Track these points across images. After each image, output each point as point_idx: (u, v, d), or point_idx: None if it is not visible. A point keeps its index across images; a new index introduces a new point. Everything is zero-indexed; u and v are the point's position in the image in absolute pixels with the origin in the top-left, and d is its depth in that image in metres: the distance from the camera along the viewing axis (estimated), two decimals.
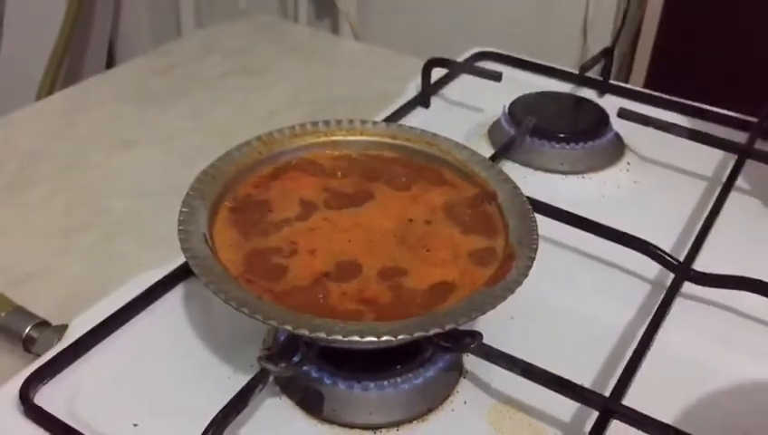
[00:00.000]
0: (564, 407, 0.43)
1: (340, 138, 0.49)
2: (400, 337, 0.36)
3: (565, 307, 0.51)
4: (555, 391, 0.42)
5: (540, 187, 0.59)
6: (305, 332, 0.36)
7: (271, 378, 0.41)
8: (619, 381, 0.43)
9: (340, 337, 0.36)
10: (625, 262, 0.54)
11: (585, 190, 0.63)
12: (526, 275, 0.40)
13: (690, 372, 0.47)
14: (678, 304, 0.51)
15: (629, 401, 0.42)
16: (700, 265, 0.53)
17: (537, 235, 0.43)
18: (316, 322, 0.36)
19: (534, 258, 0.42)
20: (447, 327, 0.37)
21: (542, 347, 0.47)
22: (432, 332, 0.37)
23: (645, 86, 0.90)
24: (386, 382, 0.43)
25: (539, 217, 0.54)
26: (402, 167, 0.48)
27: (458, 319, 0.37)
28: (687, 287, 0.51)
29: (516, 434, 0.43)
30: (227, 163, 0.45)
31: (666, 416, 0.40)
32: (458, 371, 0.46)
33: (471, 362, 0.46)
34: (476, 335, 0.43)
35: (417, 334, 0.36)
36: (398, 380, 0.43)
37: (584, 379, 0.44)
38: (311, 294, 0.39)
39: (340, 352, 0.43)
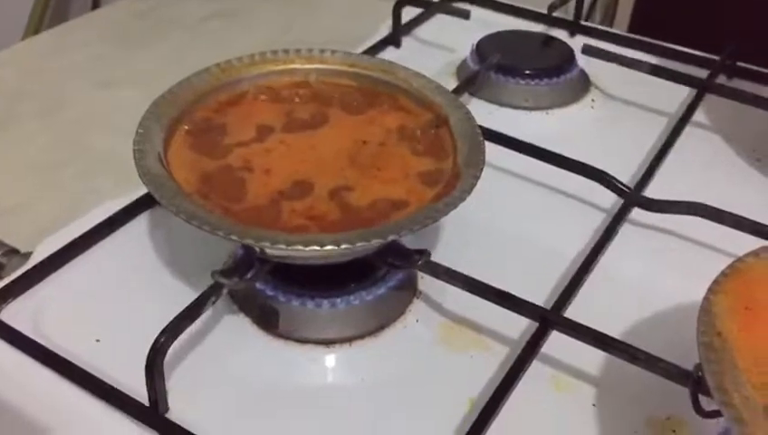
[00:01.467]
0: (513, 324, 0.45)
1: (299, 66, 0.50)
2: (343, 247, 0.38)
3: (518, 233, 0.52)
4: (496, 303, 0.43)
5: (504, 122, 0.60)
6: (250, 241, 0.37)
7: (225, 292, 0.42)
8: (561, 295, 0.44)
9: (283, 246, 0.37)
10: (580, 191, 0.55)
11: (548, 126, 0.64)
12: (469, 193, 0.42)
13: (635, 294, 0.48)
14: (628, 230, 0.52)
15: (579, 318, 0.43)
16: (652, 192, 0.54)
17: (484, 157, 0.44)
18: (261, 232, 0.38)
19: (479, 177, 0.43)
20: (389, 238, 0.38)
21: (493, 269, 0.48)
22: (373, 242, 0.38)
23: (629, 31, 0.90)
24: (338, 300, 0.44)
25: (495, 147, 0.56)
26: (359, 93, 0.49)
27: (400, 231, 0.39)
28: (638, 214, 0.53)
29: (465, 349, 0.45)
30: (185, 89, 0.47)
31: (608, 333, 0.42)
32: (412, 290, 0.48)
33: (425, 283, 0.48)
34: (424, 252, 0.44)
35: (359, 244, 0.38)
36: (351, 297, 0.45)
37: (529, 295, 0.45)
38: (263, 212, 0.40)
39: (295, 271, 0.45)
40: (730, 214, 0.49)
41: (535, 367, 0.43)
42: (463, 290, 0.45)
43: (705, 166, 0.60)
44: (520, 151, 0.54)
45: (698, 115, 0.64)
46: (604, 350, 0.41)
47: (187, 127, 0.45)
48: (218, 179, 0.42)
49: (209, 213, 0.39)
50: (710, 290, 0.36)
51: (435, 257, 0.45)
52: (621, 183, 0.52)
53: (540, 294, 0.47)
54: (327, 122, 0.47)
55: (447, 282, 0.45)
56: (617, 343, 0.41)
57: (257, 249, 0.41)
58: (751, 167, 0.60)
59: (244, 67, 0.49)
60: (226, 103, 0.48)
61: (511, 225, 0.53)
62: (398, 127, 0.47)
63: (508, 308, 0.43)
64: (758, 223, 0.48)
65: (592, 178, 0.53)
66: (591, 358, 0.43)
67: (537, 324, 0.43)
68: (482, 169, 0.43)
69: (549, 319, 0.43)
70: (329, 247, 0.38)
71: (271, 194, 0.41)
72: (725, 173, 0.59)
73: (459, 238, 0.52)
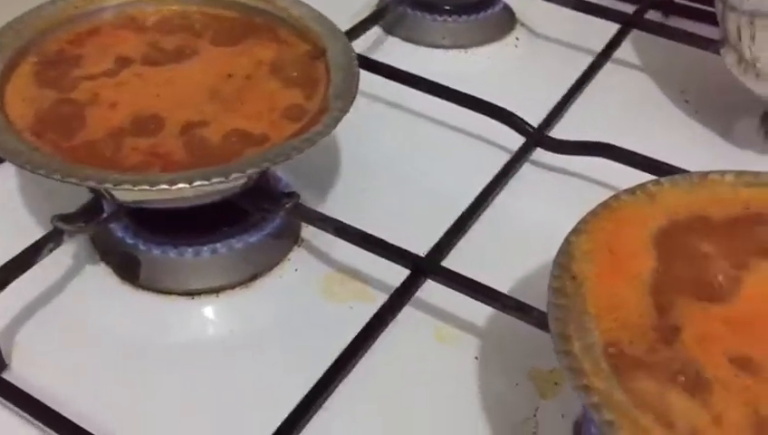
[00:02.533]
0: (401, 274, 0.41)
1: None
2: (179, 186, 0.34)
3: (412, 175, 0.49)
4: (369, 250, 0.40)
5: (420, 62, 0.57)
6: (74, 180, 0.34)
7: (68, 238, 0.39)
8: (440, 241, 0.41)
9: (109, 185, 0.34)
10: (486, 132, 0.51)
11: (467, 65, 0.60)
12: (333, 127, 0.38)
13: (530, 241, 0.45)
14: (532, 173, 0.49)
15: (462, 266, 0.40)
16: (565, 134, 0.51)
17: (356, 90, 0.40)
18: (88, 171, 0.34)
19: (346, 111, 0.39)
20: (232, 176, 0.35)
21: (379, 213, 0.45)
22: (214, 180, 0.35)
23: None
24: (204, 248, 0.41)
25: (397, 86, 0.52)
26: (234, 25, 0.45)
27: (246, 169, 0.35)
28: (546, 157, 0.50)
29: (346, 300, 0.42)
30: (35, 17, 0.43)
31: (501, 283, 0.39)
32: (292, 239, 0.44)
33: (309, 230, 0.44)
34: (293, 195, 0.41)
35: (196, 183, 0.34)
36: (218, 245, 0.41)
37: (414, 241, 0.42)
38: (98, 149, 0.36)
39: (156, 217, 0.42)
40: (636, 155, 0.45)
41: (416, 317, 0.41)
42: (335, 236, 0.41)
43: (629, 106, 0.56)
44: (415, 88, 0.50)
45: (626, 54, 0.60)
46: (479, 300, 0.38)
47: (34, 59, 0.41)
48: (55, 114, 0.38)
49: (34, 151, 0.35)
50: (573, 230, 0.32)
51: (317, 202, 0.42)
52: (525, 122, 0.48)
53: (427, 239, 0.44)
54: (194, 55, 0.43)
55: (319, 228, 0.42)
56: (491, 293, 0.37)
57: (103, 192, 0.37)
58: (678, 108, 0.57)
59: None
60: (85, 33, 0.44)
61: (404, 166, 0.49)
62: (271, 59, 0.43)
63: (381, 256, 0.40)
64: (666, 164, 0.44)
65: (495, 117, 0.49)
66: (476, 309, 0.39)
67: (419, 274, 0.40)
68: (351, 103, 0.40)
69: (422, 267, 0.39)
70: (163, 186, 0.34)
71: (111, 130, 0.38)
72: (651, 114, 0.56)
73: (346, 181, 0.48)
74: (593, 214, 0.33)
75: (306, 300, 0.42)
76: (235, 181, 0.36)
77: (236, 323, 0.41)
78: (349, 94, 0.40)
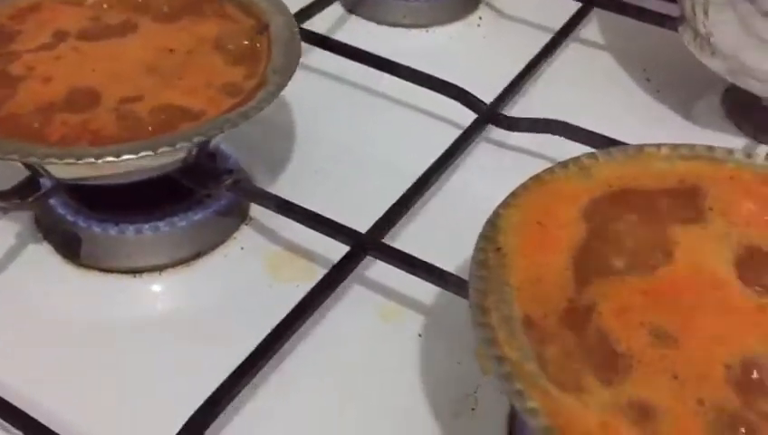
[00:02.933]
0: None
1: None
2: (106, 159, 0.34)
3: (360, 151, 0.48)
4: (311, 227, 0.40)
5: (381, 41, 0.56)
6: None
7: (2, 214, 0.38)
8: (381, 219, 0.41)
9: (35, 159, 0.34)
10: (441, 110, 0.51)
11: (427, 45, 0.59)
12: (269, 103, 0.38)
13: (481, 217, 0.44)
14: (484, 150, 0.49)
15: (407, 243, 0.40)
16: (521, 112, 0.50)
17: (296, 65, 0.40)
18: (14, 145, 0.34)
19: (284, 86, 0.39)
20: (161, 150, 0.34)
21: (333, 193, 0.45)
22: (142, 154, 0.34)
23: None
24: (146, 225, 0.41)
25: (353, 64, 0.51)
26: (178, 0, 0.44)
27: (176, 142, 0.35)
28: (499, 135, 0.49)
29: (292, 279, 0.41)
30: None
31: (447, 261, 0.38)
32: (239, 217, 0.44)
33: (258, 210, 0.44)
34: (233, 172, 0.40)
35: (124, 157, 0.34)
36: (161, 223, 0.41)
37: (359, 217, 0.41)
38: (25, 122, 0.36)
39: (99, 194, 0.41)
40: (588, 132, 0.45)
41: (362, 295, 0.40)
42: (277, 213, 0.41)
43: (590, 85, 0.55)
44: (369, 65, 0.50)
45: (590, 33, 0.60)
46: (419, 276, 0.38)
47: None
48: None
49: None
50: (502, 203, 0.32)
51: (269, 181, 0.43)
52: (477, 98, 0.48)
53: (374, 216, 0.43)
54: (136, 30, 0.43)
55: (261, 205, 0.42)
56: (432, 269, 0.37)
57: (37, 167, 0.37)
58: (639, 87, 0.56)
59: None
60: (27, 9, 0.43)
61: (358, 145, 0.49)
62: (214, 35, 0.42)
63: (322, 232, 0.40)
64: (619, 141, 0.44)
65: (447, 95, 0.49)
66: (421, 287, 0.39)
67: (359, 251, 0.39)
68: (289, 78, 0.39)
69: (363, 243, 0.39)
70: (85, 161, 0.34)
71: (42, 103, 0.37)
72: (612, 92, 0.55)
73: (300, 160, 0.48)
74: (524, 187, 0.33)
75: (251, 278, 0.42)
76: (168, 156, 0.36)
77: (179, 302, 0.41)
78: (288, 69, 0.39)
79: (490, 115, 0.47)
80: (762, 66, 0.46)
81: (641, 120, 0.52)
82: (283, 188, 0.45)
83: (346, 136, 0.50)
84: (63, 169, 0.36)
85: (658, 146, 0.34)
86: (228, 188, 0.40)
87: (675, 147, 0.34)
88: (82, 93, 0.38)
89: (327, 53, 0.52)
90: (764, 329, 0.27)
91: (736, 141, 0.50)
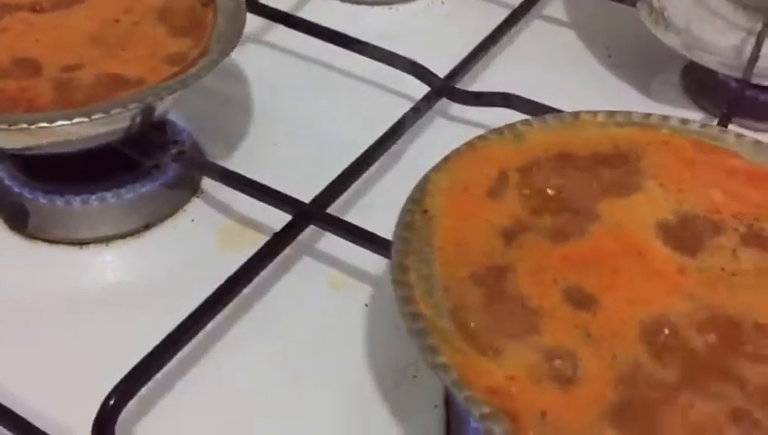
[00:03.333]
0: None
1: None
2: (39, 125, 0.34)
3: (324, 127, 0.49)
4: (254, 197, 0.40)
5: (344, 19, 0.56)
6: None
7: None
8: (325, 189, 0.41)
9: None
10: (398, 84, 0.51)
11: (391, 22, 0.59)
12: (209, 70, 0.38)
13: None
14: (438, 123, 0.49)
15: (354, 213, 0.40)
16: (479, 87, 0.50)
17: (239, 35, 0.40)
18: None
19: (226, 55, 0.39)
20: (95, 116, 0.34)
21: (284, 165, 0.45)
22: (76, 120, 0.34)
23: None
24: (92, 196, 0.41)
25: (311, 40, 0.51)
26: None
27: (110, 109, 0.35)
28: (454, 109, 0.49)
29: (241, 250, 0.41)
30: None
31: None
32: (190, 189, 0.44)
33: (209, 182, 0.44)
34: (178, 143, 0.40)
35: (58, 123, 0.34)
36: (107, 194, 0.41)
37: (309, 191, 0.41)
38: None
39: (47, 165, 0.41)
40: (539, 105, 0.45)
41: (312, 266, 0.41)
42: (222, 184, 0.41)
43: (552, 61, 0.55)
44: (324, 40, 0.50)
45: (552, 9, 0.60)
46: (362, 246, 0.38)
47: None
48: None
49: None
50: (434, 167, 0.32)
51: (223, 154, 0.43)
52: (431, 72, 0.48)
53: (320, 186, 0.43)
54: (83, 1, 0.43)
55: (206, 175, 0.42)
56: (374, 238, 0.37)
57: None
58: (601, 64, 0.56)
59: None
60: None
61: (313, 119, 0.49)
62: (160, 6, 0.42)
63: (267, 203, 0.40)
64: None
65: (403, 69, 0.49)
66: (369, 257, 0.39)
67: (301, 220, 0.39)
68: (232, 48, 0.39)
69: (306, 213, 0.39)
70: (20, 126, 0.33)
71: None
72: (573, 69, 0.55)
73: (255, 133, 0.48)
74: (457, 152, 0.32)
75: (201, 250, 0.42)
76: (106, 124, 0.36)
77: (126, 274, 0.41)
78: (232, 39, 0.39)
79: (443, 88, 0.47)
80: (714, 39, 0.46)
81: (600, 96, 0.52)
82: (238, 161, 0.45)
83: (304, 111, 0.50)
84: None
85: (594, 113, 0.34)
86: (173, 158, 0.40)
87: (611, 113, 0.34)
88: (23, 63, 0.38)
89: (291, 31, 0.52)
90: (683, 290, 0.27)
91: (693, 116, 0.50)
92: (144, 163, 0.41)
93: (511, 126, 0.34)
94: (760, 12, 0.43)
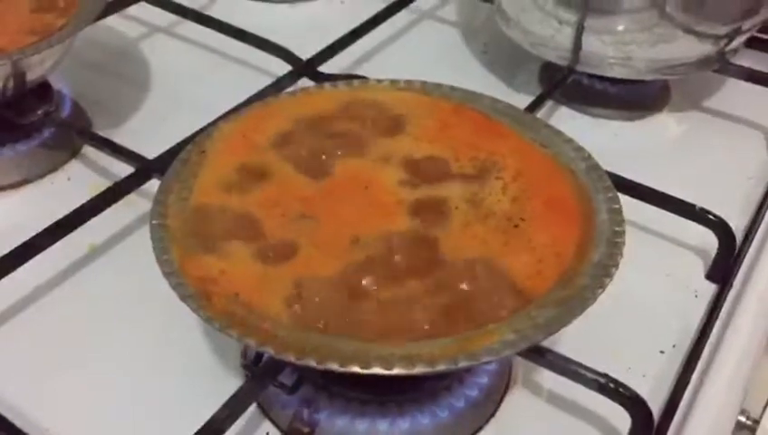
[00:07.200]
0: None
1: None
2: None
3: (206, 104, 0.50)
4: (100, 150, 0.46)
5: (245, 15, 0.63)
6: None
7: None
8: (169, 149, 0.45)
9: None
10: (271, 67, 0.56)
11: (287, 18, 0.65)
12: (62, 41, 0.43)
13: None
14: None
15: None
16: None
17: (99, 11, 0.45)
18: None
19: (81, 29, 0.44)
20: None
21: (163, 136, 0.47)
22: None
23: None
24: None
25: (208, 32, 0.57)
26: None
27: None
28: None
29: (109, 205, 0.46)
30: None
31: None
32: (69, 152, 0.49)
33: (90, 149, 0.49)
34: (58, 109, 0.46)
35: None
36: None
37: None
38: None
39: None
40: None
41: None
42: (80, 140, 0.46)
43: (431, 55, 0.61)
44: (205, 26, 0.56)
45: (443, 11, 0.65)
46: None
47: None
48: None
49: None
50: (225, 117, 0.37)
51: (103, 124, 0.48)
52: (296, 55, 0.53)
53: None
54: None
55: (77, 137, 0.47)
56: None
57: None
58: (475, 58, 0.61)
59: None
60: None
61: (191, 97, 0.54)
62: None
63: (120, 159, 0.45)
64: None
65: (275, 54, 0.54)
66: None
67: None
68: (88, 23, 0.45)
69: (147, 168, 0.44)
70: None
71: None
72: (449, 63, 0.60)
73: (145, 107, 0.54)
74: (250, 106, 0.38)
75: (72, 204, 0.47)
76: None
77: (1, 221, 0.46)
78: (89, 16, 0.45)
79: (300, 68, 0.52)
80: (543, 33, 0.51)
81: (469, 87, 0.56)
82: (124, 132, 0.50)
83: (193, 91, 0.56)
84: None
85: (380, 80, 0.39)
86: (45, 121, 0.45)
87: (394, 81, 0.39)
88: None
89: (196, 26, 0.59)
90: (392, 217, 0.32)
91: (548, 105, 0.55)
92: (17, 122, 0.46)
93: (305, 89, 0.39)
94: (574, 6, 0.47)
